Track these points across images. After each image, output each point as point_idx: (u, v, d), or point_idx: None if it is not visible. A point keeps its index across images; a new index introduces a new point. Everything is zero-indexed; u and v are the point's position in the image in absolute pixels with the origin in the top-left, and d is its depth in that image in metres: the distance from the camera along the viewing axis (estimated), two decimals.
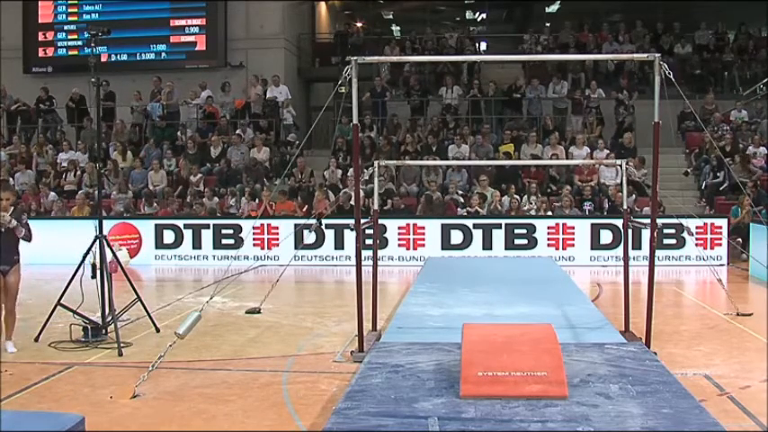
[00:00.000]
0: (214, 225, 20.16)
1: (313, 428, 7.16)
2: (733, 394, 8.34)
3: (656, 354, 9.10)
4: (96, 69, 11.32)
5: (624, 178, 12.33)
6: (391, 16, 38.73)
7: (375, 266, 11.33)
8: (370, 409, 6.81)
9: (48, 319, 10.94)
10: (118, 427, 7.38)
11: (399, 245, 19.37)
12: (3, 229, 9.92)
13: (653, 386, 7.50)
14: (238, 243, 19.12)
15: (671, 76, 8.87)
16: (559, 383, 7.16)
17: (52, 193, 22.97)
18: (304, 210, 20.88)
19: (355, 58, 9.19)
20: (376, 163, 12.31)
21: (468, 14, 39.15)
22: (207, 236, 19.94)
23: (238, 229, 19.62)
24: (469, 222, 19.74)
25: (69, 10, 29.04)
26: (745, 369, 9.55)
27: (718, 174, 22.14)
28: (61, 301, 10.96)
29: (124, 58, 28.68)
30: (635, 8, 30.63)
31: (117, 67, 27.87)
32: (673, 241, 17.92)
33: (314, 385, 8.64)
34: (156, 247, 20.09)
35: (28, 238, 10.26)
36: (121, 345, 10.34)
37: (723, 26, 29.69)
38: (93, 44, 11.54)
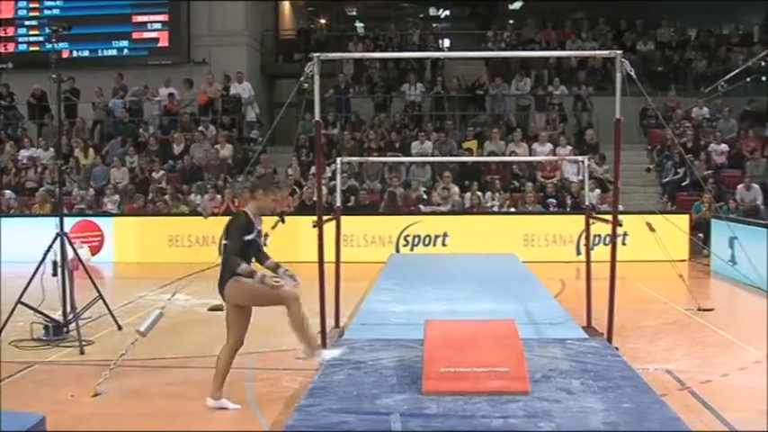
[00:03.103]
0: (177, 222, 20.08)
1: (275, 426, 7.16)
2: (694, 389, 8.42)
3: (617, 349, 9.16)
4: (57, 66, 11.27)
5: (586, 174, 12.41)
6: (355, 13, 38.73)
7: (338, 263, 11.32)
8: (332, 405, 6.82)
9: (8, 318, 10.86)
10: (79, 426, 7.35)
11: (363, 241, 19.38)
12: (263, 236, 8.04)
13: (614, 381, 7.55)
14: (201, 240, 19.07)
15: (632, 73, 8.92)
16: (521, 379, 7.19)
17: (8, 192, 22.76)
18: None
19: (317, 54, 9.18)
20: (338, 159, 12.32)
21: (432, 11, 39.22)
22: (169, 233, 19.87)
23: (201, 225, 19.50)
24: (433, 219, 19.80)
25: (30, 5, 28.64)
26: (705, 364, 9.66)
27: (679, 170, 22.30)
28: (22, 300, 10.88)
29: (86, 54, 28.40)
30: (598, 6, 30.73)
31: (79, 64, 27.61)
32: (634, 237, 17.97)
33: (276, 382, 8.64)
34: (119, 245, 19.99)
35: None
36: (83, 343, 10.31)
37: (684, 24, 29.94)
38: (53, 40, 11.48)
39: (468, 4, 37.40)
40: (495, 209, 20.73)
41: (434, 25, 37.30)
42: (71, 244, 11.20)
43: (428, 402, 6.86)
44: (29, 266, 11.12)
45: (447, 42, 34.26)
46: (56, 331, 10.88)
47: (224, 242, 7.81)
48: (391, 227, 19.69)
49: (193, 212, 20.88)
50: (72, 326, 10.77)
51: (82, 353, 10.12)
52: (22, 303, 10.88)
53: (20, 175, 24.00)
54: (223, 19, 28.28)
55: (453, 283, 13.94)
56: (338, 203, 11.95)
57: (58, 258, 10.95)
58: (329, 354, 7.76)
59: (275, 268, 7.92)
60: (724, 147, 22.90)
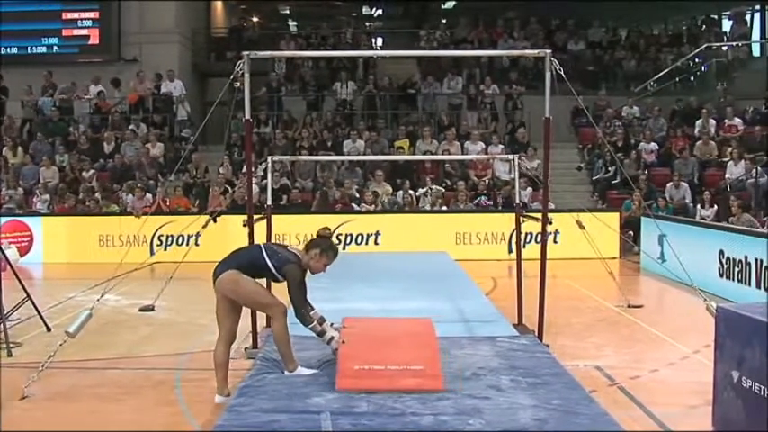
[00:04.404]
0: (107, 222, 19.90)
1: (206, 426, 7.12)
2: (623, 384, 8.55)
3: (548, 346, 9.23)
4: None
5: (517, 173, 12.51)
6: (288, 11, 38.63)
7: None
8: (263, 405, 6.79)
9: None
10: (7, 428, 7.24)
11: (295, 240, 19.33)
12: None
13: (544, 378, 7.61)
14: (132, 239, 18.91)
15: (561, 72, 8.99)
16: (434, 377, 7.24)
17: None
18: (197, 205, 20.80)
19: (248, 53, 9.15)
20: (269, 158, 12.27)
21: (365, 10, 39.21)
22: (100, 233, 19.69)
23: (132, 225, 19.33)
24: (365, 218, 19.83)
25: None
26: (634, 360, 9.80)
27: (609, 168, 22.56)
28: None
29: (14, 51, 27.99)
30: (530, 6, 30.92)
31: (7, 61, 27.23)
32: (565, 235, 18.12)
33: (207, 383, 8.57)
34: (48, 245, 19.75)
35: None
36: (11, 345, 10.16)
37: (615, 24, 30.37)
38: None
39: (402, 3, 37.44)
40: (428, 207, 20.81)
41: (367, 24, 37.36)
42: None
43: (358, 401, 6.86)
44: None
45: (380, 41, 34.33)
46: None
47: (289, 290, 7.89)
48: (323, 225, 19.62)
49: (124, 212, 20.66)
50: None
51: (9, 355, 9.97)
52: None
53: None
54: (154, 16, 28.00)
55: (386, 282, 13.94)
56: (269, 202, 11.89)
57: None
58: (306, 371, 7.78)
59: (321, 321, 8.04)
60: (653, 145, 23.22)
